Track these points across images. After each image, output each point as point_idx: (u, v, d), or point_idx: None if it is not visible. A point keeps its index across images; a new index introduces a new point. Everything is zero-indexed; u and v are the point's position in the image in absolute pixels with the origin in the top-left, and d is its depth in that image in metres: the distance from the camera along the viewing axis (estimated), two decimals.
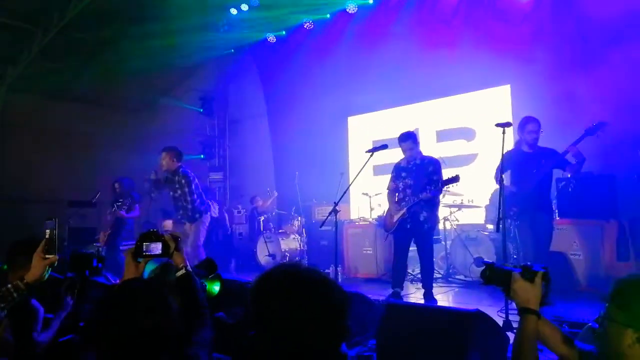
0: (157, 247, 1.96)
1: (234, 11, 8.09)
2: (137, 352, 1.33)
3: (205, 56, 9.57)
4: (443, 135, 7.84)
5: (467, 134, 7.55)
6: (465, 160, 7.44)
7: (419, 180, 4.84)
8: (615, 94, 5.32)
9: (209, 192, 10.41)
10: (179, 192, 5.72)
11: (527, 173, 4.40)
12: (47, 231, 2.07)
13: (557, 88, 5.99)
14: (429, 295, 4.82)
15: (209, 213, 5.92)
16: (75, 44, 8.31)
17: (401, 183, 5.00)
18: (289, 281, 1.19)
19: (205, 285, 2.27)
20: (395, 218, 4.92)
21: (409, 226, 4.85)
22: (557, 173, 4.52)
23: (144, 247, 1.94)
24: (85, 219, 8.56)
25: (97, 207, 8.71)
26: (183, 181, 5.67)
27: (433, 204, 4.92)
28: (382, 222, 5.25)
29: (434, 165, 4.91)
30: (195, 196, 5.75)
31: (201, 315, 1.82)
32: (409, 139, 4.92)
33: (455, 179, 4.67)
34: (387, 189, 5.22)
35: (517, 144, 4.62)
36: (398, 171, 5.08)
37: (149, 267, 2.11)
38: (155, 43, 8.15)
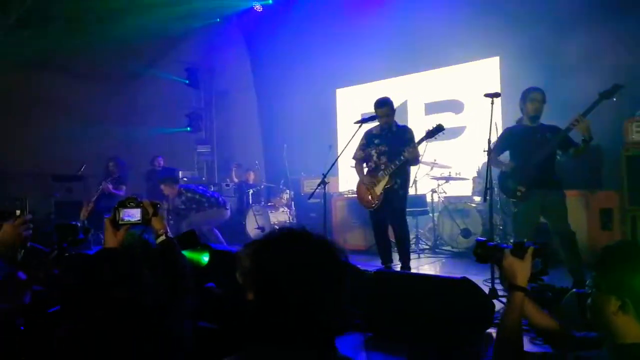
0: (135, 214, 1.88)
1: None
2: (113, 322, 1.32)
3: (190, 25, 9.33)
4: (431, 108, 7.82)
5: (455, 106, 7.54)
6: (454, 133, 7.43)
7: (395, 147, 4.59)
8: (603, 64, 5.32)
9: (194, 164, 10.35)
10: (195, 206, 6.48)
11: (531, 148, 3.95)
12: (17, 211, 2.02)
13: (547, 59, 5.98)
14: (406, 269, 4.61)
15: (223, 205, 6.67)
16: (56, 13, 8.04)
17: (374, 150, 4.73)
18: (295, 242, 1.14)
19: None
20: (379, 190, 4.62)
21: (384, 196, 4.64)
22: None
23: (122, 213, 1.86)
24: (72, 192, 8.46)
25: (83, 181, 8.61)
26: (189, 194, 6.47)
27: (407, 171, 4.73)
28: (360, 199, 4.88)
29: (410, 132, 4.70)
30: (202, 191, 6.64)
31: (183, 283, 1.78)
32: (386, 104, 4.68)
33: (439, 129, 4.44)
34: (354, 157, 4.91)
35: (519, 120, 4.21)
36: (370, 138, 4.80)
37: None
38: (138, 11, 7.92)
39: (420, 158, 4.87)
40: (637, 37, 5.35)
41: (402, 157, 4.49)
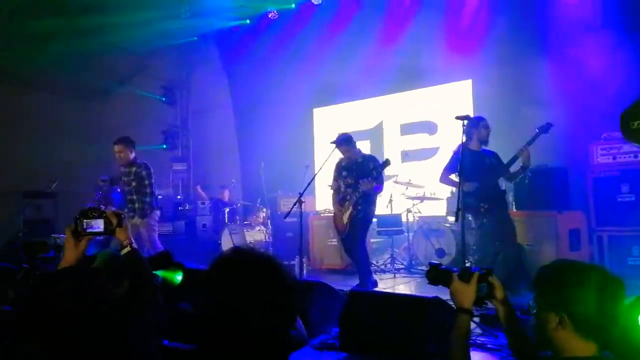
0: (98, 224, 1.81)
1: None
2: (66, 337, 1.29)
3: (166, 43, 9.33)
4: (406, 129, 7.97)
5: (429, 127, 7.70)
6: (427, 153, 7.59)
7: (359, 179, 4.88)
8: (568, 89, 5.54)
9: (169, 182, 10.24)
10: (134, 184, 5.42)
11: (482, 171, 4.39)
12: None
13: (516, 82, 6.19)
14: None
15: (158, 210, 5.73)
16: (26, 29, 7.91)
17: (342, 182, 5.06)
18: (241, 262, 1.19)
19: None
20: (345, 220, 4.96)
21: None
22: (516, 164, 4.46)
23: (84, 224, 1.79)
24: (41, 210, 8.25)
25: (55, 198, 8.39)
26: (144, 173, 5.41)
27: (370, 198, 4.97)
28: (335, 226, 5.30)
29: (374, 162, 5.00)
30: (153, 189, 5.53)
31: (148, 294, 1.74)
32: (342, 143, 5.01)
33: (386, 163, 4.85)
34: (331, 188, 5.29)
35: (464, 144, 4.30)
36: (340, 170, 5.14)
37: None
38: (113, 28, 7.89)
39: (382, 185, 5.09)
40: (600, 63, 5.59)
41: (360, 187, 4.80)
